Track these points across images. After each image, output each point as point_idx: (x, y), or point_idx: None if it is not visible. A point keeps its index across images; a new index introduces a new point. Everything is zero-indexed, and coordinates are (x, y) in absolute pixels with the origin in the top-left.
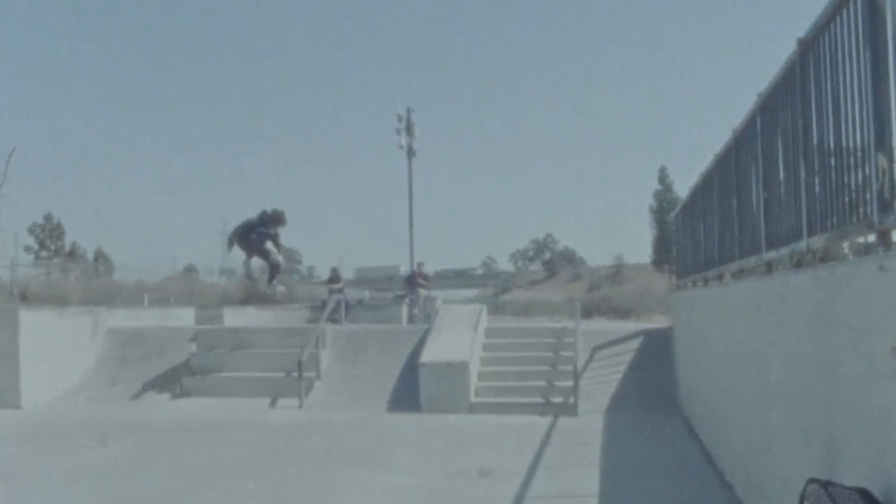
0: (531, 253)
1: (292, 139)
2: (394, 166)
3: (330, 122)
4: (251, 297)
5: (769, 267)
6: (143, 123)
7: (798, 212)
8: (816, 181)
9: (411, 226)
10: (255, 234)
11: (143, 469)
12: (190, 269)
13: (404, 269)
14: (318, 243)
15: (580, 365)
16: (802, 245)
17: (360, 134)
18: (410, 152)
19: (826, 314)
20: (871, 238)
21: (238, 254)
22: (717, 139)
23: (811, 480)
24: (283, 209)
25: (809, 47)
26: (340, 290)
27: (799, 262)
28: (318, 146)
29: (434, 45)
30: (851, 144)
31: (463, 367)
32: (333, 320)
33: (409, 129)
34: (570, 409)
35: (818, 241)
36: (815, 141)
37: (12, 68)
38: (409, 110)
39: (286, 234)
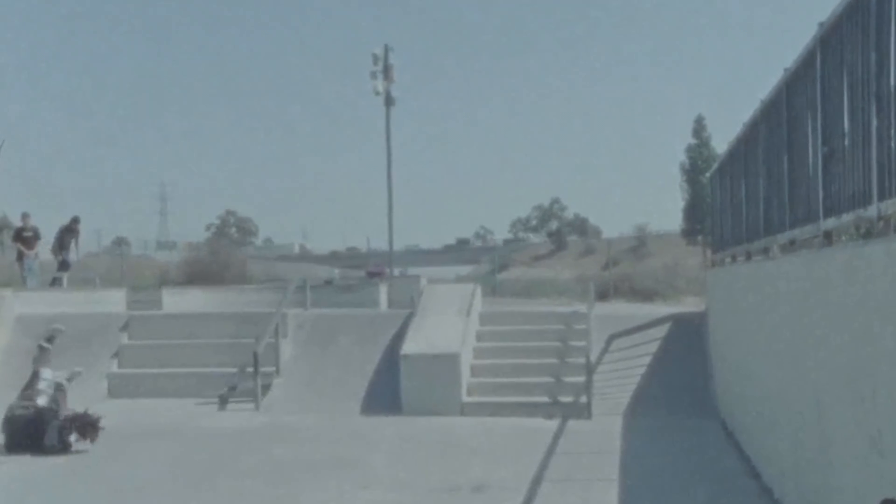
0: (534, 222)
1: (245, 86)
2: (369, 119)
3: (293, 65)
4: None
5: (828, 238)
6: (68, 72)
7: (867, 170)
8: (893, 132)
9: (390, 191)
10: None
11: (59, 489)
12: (120, 243)
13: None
14: (277, 212)
15: (594, 357)
16: (872, 211)
17: (329, 80)
18: (388, 100)
19: None
20: None
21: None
22: (765, 81)
23: (886, 501)
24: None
25: None
26: None
27: (868, 232)
28: (275, 93)
29: None
30: None
31: (453, 359)
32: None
33: (386, 73)
34: (582, 411)
35: (893, 206)
36: (893, 81)
37: None
38: (386, 49)
39: None
